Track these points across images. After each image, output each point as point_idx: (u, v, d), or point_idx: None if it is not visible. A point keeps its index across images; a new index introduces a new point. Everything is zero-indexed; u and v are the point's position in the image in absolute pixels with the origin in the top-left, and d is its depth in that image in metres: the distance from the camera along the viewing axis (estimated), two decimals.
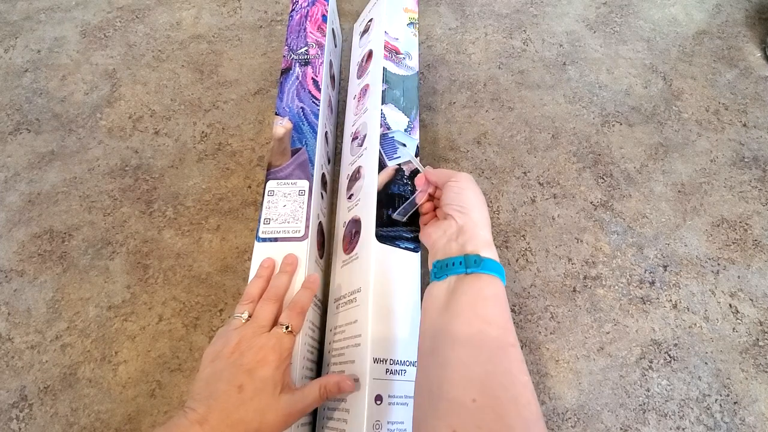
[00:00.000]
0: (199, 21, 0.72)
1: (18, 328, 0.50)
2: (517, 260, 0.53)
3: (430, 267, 0.36)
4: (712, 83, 0.67)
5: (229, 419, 0.29)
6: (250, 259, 0.54)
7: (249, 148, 0.60)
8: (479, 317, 0.31)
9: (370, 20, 0.59)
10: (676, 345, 0.49)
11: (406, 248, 0.40)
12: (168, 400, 0.46)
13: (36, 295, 0.51)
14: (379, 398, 0.34)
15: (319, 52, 0.51)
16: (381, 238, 0.40)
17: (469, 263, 0.32)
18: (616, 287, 0.52)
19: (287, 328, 0.34)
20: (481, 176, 0.58)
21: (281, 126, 0.47)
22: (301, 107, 0.48)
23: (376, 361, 0.35)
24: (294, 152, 0.45)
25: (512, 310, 0.50)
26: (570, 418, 0.45)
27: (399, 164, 0.45)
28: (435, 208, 0.42)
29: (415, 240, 0.41)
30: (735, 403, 0.46)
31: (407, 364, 0.36)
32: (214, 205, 0.56)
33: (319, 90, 0.49)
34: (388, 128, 0.47)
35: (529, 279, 0.52)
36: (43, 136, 0.62)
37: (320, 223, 0.47)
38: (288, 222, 0.42)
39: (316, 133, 0.46)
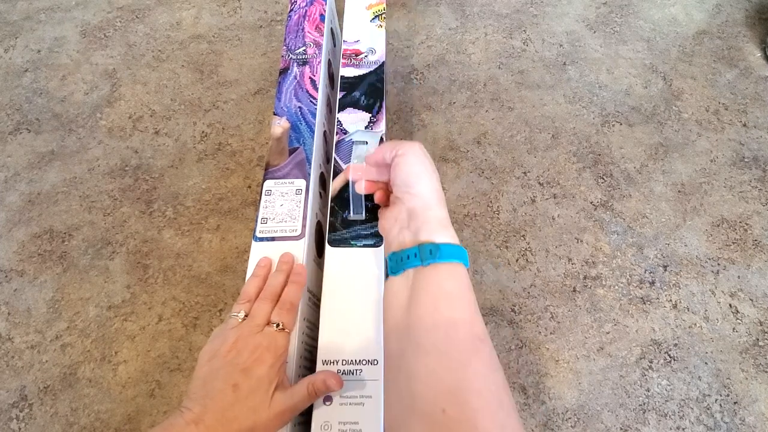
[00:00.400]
0: (199, 21, 0.72)
1: (18, 328, 0.50)
2: (517, 260, 0.53)
3: (386, 259, 0.34)
4: (712, 83, 0.67)
5: (223, 418, 0.29)
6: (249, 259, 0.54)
7: (249, 148, 0.60)
8: (443, 318, 0.29)
9: None
10: (676, 345, 0.49)
11: (365, 245, 0.40)
12: (167, 400, 0.46)
13: (36, 295, 0.51)
14: (328, 399, 0.34)
15: (317, 52, 0.52)
16: (334, 242, 0.41)
17: (425, 255, 0.31)
18: (616, 287, 0.52)
19: (278, 325, 0.34)
20: (481, 176, 0.58)
21: (279, 126, 0.47)
22: (299, 107, 0.48)
23: (325, 363, 0.35)
24: (291, 152, 0.45)
25: (512, 310, 0.50)
26: (570, 418, 0.45)
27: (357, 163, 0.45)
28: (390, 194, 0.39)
29: (376, 235, 0.41)
30: (735, 403, 0.46)
31: (363, 363, 0.36)
32: (214, 205, 0.56)
33: (316, 89, 0.49)
34: (345, 133, 0.47)
35: (529, 279, 0.52)
36: (43, 136, 0.62)
37: (318, 222, 0.47)
38: (285, 221, 0.42)
39: (313, 132, 0.46)
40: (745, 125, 0.63)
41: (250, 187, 0.58)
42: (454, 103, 0.64)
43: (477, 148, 0.61)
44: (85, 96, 0.65)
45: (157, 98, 0.65)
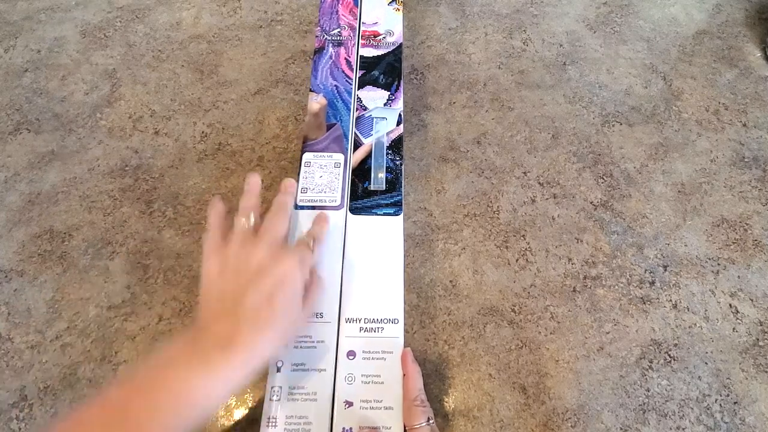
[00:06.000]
0: (199, 21, 0.72)
1: (18, 328, 0.50)
2: (517, 260, 0.53)
3: None
4: (712, 83, 0.67)
5: (259, 334, 0.27)
6: None
7: (249, 148, 0.60)
8: None
9: None
10: (676, 345, 0.49)
11: (385, 214, 0.44)
12: None
13: (36, 295, 0.51)
14: (351, 353, 0.37)
15: (351, 35, 0.54)
16: (356, 210, 0.44)
17: None
18: (616, 287, 0.52)
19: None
20: (481, 176, 0.58)
21: (316, 102, 0.49)
22: (335, 85, 0.51)
23: (348, 321, 0.39)
24: (329, 127, 0.48)
25: (512, 310, 0.50)
26: (570, 418, 0.45)
27: (378, 138, 0.48)
28: None
29: (396, 204, 0.44)
30: (735, 403, 0.46)
31: (385, 321, 0.39)
32: None
33: (351, 70, 0.51)
34: (365, 109, 0.50)
35: (529, 279, 0.52)
36: (43, 136, 0.62)
37: None
38: (325, 192, 0.44)
39: (350, 110, 0.49)
40: (745, 125, 0.63)
41: None
42: (454, 103, 0.64)
43: (477, 148, 0.61)
44: (85, 96, 0.65)
45: (157, 98, 0.65)
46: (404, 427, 0.35)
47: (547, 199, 0.57)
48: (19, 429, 0.45)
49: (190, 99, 0.65)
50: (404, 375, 0.37)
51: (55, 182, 0.58)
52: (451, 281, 0.52)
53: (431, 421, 0.34)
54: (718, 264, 0.54)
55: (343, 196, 0.44)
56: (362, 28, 0.56)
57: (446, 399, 0.46)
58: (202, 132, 0.62)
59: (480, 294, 0.51)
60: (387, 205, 0.44)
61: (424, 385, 0.36)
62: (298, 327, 0.33)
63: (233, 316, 0.28)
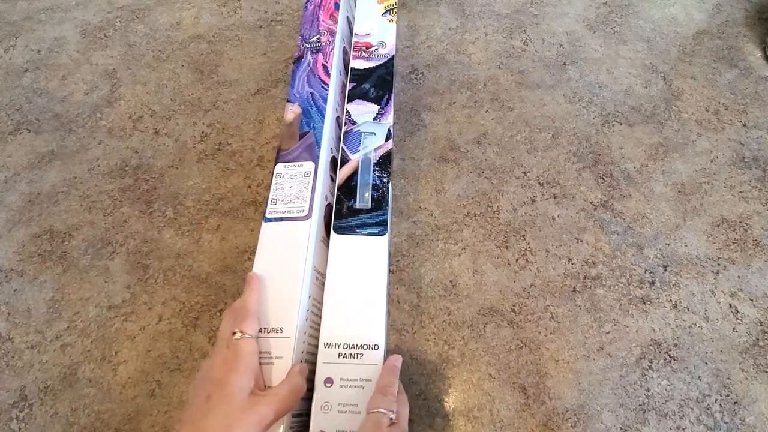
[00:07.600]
0: (199, 21, 0.72)
1: (18, 328, 0.50)
2: (517, 260, 0.53)
3: None
4: (712, 83, 0.67)
5: (197, 429, 0.30)
6: (250, 259, 0.54)
7: (249, 148, 0.60)
8: None
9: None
10: (676, 345, 0.49)
11: (370, 234, 0.42)
12: (168, 400, 0.46)
13: (36, 295, 0.51)
14: (329, 381, 0.36)
15: (330, 39, 0.52)
16: (339, 229, 0.42)
17: None
18: (616, 287, 0.52)
19: (235, 333, 0.34)
20: (481, 176, 0.58)
21: (291, 112, 0.48)
22: (311, 92, 0.49)
23: (327, 345, 0.37)
24: (302, 136, 0.46)
25: (512, 310, 0.50)
26: (570, 418, 0.45)
27: (365, 154, 0.46)
28: None
29: (381, 224, 0.42)
30: (735, 403, 0.46)
31: (365, 347, 0.37)
32: (214, 205, 0.56)
33: (328, 75, 0.50)
34: (353, 124, 0.48)
35: (529, 279, 0.52)
36: (43, 136, 0.62)
37: (329, 204, 0.47)
38: (293, 202, 0.42)
39: (323, 117, 0.47)
40: (745, 125, 0.63)
41: (250, 187, 0.58)
42: (454, 103, 0.64)
43: (477, 148, 0.61)
44: (85, 96, 0.65)
45: (157, 98, 0.65)
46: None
47: (547, 199, 0.57)
48: (19, 429, 0.45)
49: (190, 99, 0.65)
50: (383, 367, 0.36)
51: (55, 182, 0.58)
52: (451, 281, 0.52)
53: (391, 416, 0.32)
54: (718, 264, 0.54)
55: (311, 206, 0.42)
56: (354, 40, 0.54)
57: (446, 399, 0.46)
58: (202, 132, 0.62)
59: (480, 294, 0.51)
60: (372, 225, 0.42)
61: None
62: (242, 423, 0.32)
63: (183, 416, 0.31)
